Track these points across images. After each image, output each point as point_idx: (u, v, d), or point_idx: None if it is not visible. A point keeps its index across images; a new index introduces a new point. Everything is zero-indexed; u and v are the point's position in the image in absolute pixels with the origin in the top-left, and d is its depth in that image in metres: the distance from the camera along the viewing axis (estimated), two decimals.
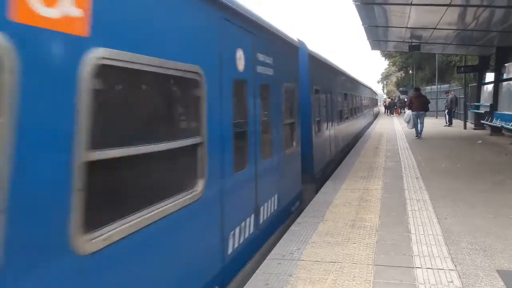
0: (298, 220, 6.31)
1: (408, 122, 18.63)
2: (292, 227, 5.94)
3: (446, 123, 25.05)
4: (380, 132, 22.64)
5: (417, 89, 20.63)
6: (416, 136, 18.04)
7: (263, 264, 4.66)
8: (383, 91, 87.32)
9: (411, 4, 12.18)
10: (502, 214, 6.24)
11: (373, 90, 41.60)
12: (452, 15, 13.42)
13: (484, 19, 13.91)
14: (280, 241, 5.40)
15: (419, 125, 18.03)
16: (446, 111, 25.72)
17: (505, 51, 18.34)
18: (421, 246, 5.04)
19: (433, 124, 24.83)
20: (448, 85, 34.42)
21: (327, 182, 9.09)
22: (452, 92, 27.86)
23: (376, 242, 5.20)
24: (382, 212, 6.58)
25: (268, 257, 4.85)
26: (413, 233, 5.51)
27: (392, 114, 44.64)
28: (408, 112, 18.74)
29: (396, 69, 56.45)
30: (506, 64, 17.75)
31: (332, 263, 4.59)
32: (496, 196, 7.39)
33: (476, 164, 11.07)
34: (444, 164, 11.05)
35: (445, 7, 12.18)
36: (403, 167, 10.78)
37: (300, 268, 4.48)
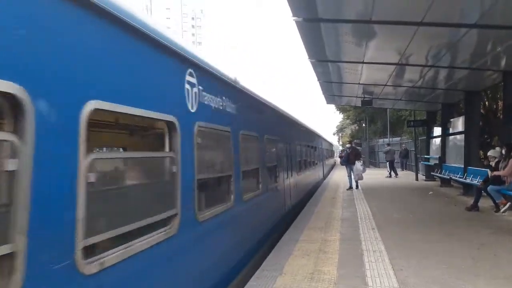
0: (257, 274, 6.18)
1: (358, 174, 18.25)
2: (250, 282, 5.79)
3: (392, 174, 25.73)
4: (337, 182, 23.09)
5: (350, 142, 23.05)
6: (356, 188, 18.10)
7: None
8: (339, 143, 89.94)
9: (363, 62, 12.93)
10: (454, 265, 6.40)
11: (330, 142, 42.93)
12: (400, 73, 14.33)
13: (430, 78, 14.90)
14: None
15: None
16: (388, 163, 26.89)
17: (449, 107, 19.46)
18: None
19: (385, 176, 25.71)
20: (399, 138, 36.02)
21: (286, 233, 9.05)
22: (404, 145, 29.24)
23: None
24: (340, 264, 6.58)
25: None
26: (370, 286, 5.52)
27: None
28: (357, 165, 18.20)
29: (350, 122, 58.48)
30: (451, 120, 18.77)
31: None
32: (447, 246, 7.60)
33: (428, 214, 11.43)
34: (398, 214, 11.34)
35: (394, 66, 13.02)
36: (359, 217, 10.95)
37: None
